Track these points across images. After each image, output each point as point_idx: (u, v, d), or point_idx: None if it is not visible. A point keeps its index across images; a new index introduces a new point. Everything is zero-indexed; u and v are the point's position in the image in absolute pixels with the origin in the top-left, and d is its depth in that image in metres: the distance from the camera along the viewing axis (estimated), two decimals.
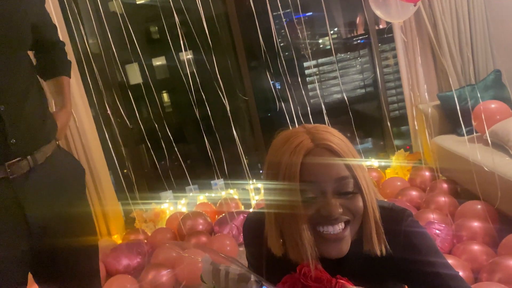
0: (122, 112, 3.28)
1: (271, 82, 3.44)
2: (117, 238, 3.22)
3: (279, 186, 0.85)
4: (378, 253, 0.88)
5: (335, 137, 0.87)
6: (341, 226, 0.84)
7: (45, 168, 1.20)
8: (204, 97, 2.90)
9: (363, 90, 4.27)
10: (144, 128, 3.23)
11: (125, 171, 3.60)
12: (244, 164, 2.96)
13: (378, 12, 2.56)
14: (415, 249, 0.90)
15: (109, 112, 3.05)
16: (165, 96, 4.49)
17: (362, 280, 0.85)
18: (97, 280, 1.40)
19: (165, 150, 3.06)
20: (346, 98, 3.05)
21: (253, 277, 0.71)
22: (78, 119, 3.14)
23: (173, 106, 4.42)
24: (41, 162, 1.18)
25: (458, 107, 2.50)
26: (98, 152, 3.29)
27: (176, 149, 3.83)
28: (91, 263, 1.37)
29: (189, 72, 2.93)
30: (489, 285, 1.80)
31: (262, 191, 3.53)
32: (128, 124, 3.19)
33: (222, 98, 2.80)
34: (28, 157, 1.14)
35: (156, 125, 3.18)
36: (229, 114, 2.84)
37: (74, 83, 3.16)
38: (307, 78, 4.34)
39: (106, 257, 2.71)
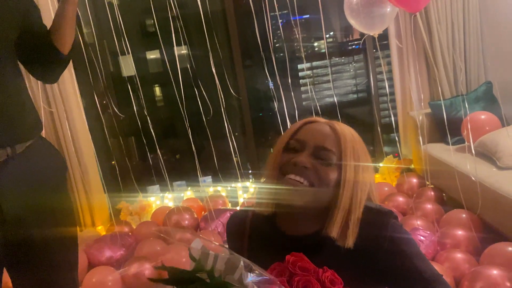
0: (112, 103, 3.25)
1: (270, 83, 3.44)
2: (101, 230, 3.19)
3: (277, 142, 0.98)
4: (349, 244, 0.89)
5: (346, 128, 0.96)
6: (303, 180, 0.90)
7: (24, 158, 1.17)
8: (196, 93, 2.89)
9: (355, 95, 4.29)
10: (135, 121, 3.21)
11: (113, 162, 3.56)
12: (238, 162, 2.95)
13: (352, 22, 2.50)
14: (399, 250, 0.91)
15: (97, 102, 3.02)
16: (158, 90, 4.46)
17: (344, 279, 0.85)
18: (74, 273, 1.38)
19: (156, 144, 3.03)
20: (336, 102, 3.07)
21: (242, 262, 0.71)
22: (68, 109, 3.10)
23: (165, 100, 4.40)
24: (20, 152, 1.16)
25: (445, 117, 2.52)
26: (86, 142, 3.26)
27: (165, 143, 3.82)
28: (68, 256, 1.34)
29: (183, 68, 2.92)
30: None
31: (251, 189, 3.53)
32: (119, 114, 3.17)
33: (219, 94, 2.79)
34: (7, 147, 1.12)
35: (148, 118, 3.15)
36: (223, 111, 2.83)
37: (66, 72, 3.12)
38: (301, 80, 4.34)
39: (89, 248, 2.68)
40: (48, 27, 1.29)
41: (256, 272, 0.71)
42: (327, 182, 0.90)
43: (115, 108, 3.08)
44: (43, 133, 2.85)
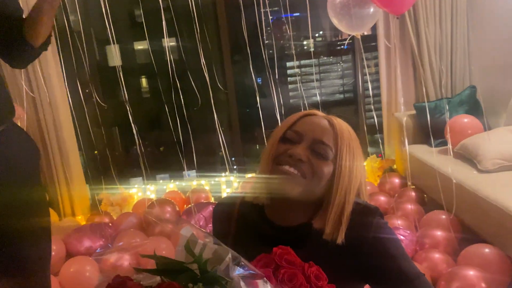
0: (95, 93, 3.20)
1: (258, 79, 3.43)
2: (81, 219, 3.15)
3: (273, 132, 0.98)
4: (339, 241, 0.89)
5: (343, 123, 0.96)
6: (297, 173, 0.90)
7: None
8: (181, 85, 2.86)
9: (341, 95, 4.31)
10: (119, 111, 3.17)
11: (95, 152, 3.52)
12: (226, 156, 2.93)
13: (335, 21, 2.49)
14: (382, 247, 0.91)
15: (80, 91, 2.97)
16: (144, 81, 4.42)
17: (327, 273, 0.85)
18: (46, 266, 1.34)
19: (138, 135, 3.00)
20: (320, 102, 3.10)
21: (230, 254, 0.70)
22: (51, 96, 3.05)
23: (151, 92, 4.36)
24: None
25: (428, 119, 2.55)
26: (69, 131, 3.21)
27: (150, 135, 3.79)
28: (39, 248, 1.29)
29: (171, 59, 2.89)
30: None
31: (235, 183, 3.52)
32: (103, 104, 3.12)
33: (208, 87, 2.76)
34: None
35: (129, 109, 3.12)
36: (212, 104, 2.81)
37: (51, 59, 3.07)
38: (289, 78, 4.35)
39: (68, 238, 2.65)
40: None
41: (243, 265, 0.70)
42: (320, 176, 0.90)
43: (97, 98, 3.04)
44: (25, 120, 2.81)
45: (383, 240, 0.92)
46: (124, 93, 3.08)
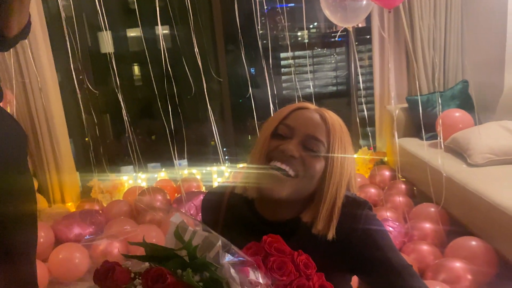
0: (87, 79, 3.17)
1: (251, 69, 3.41)
2: (71, 206, 3.13)
3: (264, 125, 0.96)
4: (330, 236, 0.89)
5: (335, 117, 0.95)
6: (288, 169, 0.89)
7: None
8: (174, 74, 2.84)
9: (334, 88, 4.31)
10: (110, 99, 3.14)
11: (86, 139, 3.49)
12: (218, 146, 2.92)
13: (327, 13, 2.48)
14: (371, 240, 0.92)
15: (74, 77, 2.93)
16: (136, 69, 4.38)
17: (317, 265, 0.85)
18: (32, 253, 1.32)
19: (129, 123, 2.98)
20: (313, 94, 3.09)
21: (220, 241, 0.70)
22: (42, 81, 3.01)
23: (143, 80, 4.32)
24: None
25: (421, 112, 2.56)
26: (59, 117, 3.18)
27: (142, 124, 3.76)
28: (25, 236, 1.27)
29: (164, 48, 2.87)
30: (432, 284, 1.86)
31: (226, 173, 3.52)
32: (94, 91, 3.09)
33: (201, 75, 2.74)
34: None
35: (119, 96, 3.09)
36: (206, 94, 2.79)
37: (42, 45, 3.03)
38: (282, 69, 4.34)
39: (57, 224, 2.63)
40: None
41: (233, 252, 0.70)
42: (312, 173, 0.89)
43: (89, 85, 3.00)
44: (14, 105, 2.78)
45: (371, 233, 0.92)
46: (116, 81, 3.05)
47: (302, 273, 0.82)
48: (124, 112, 2.70)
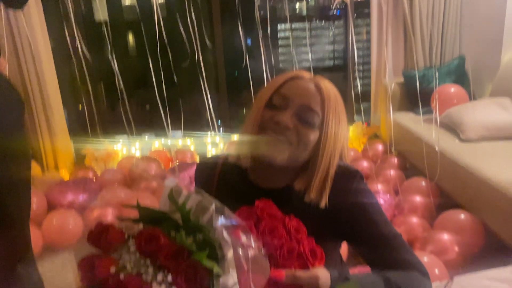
0: (82, 46, 3.12)
1: (248, 40, 3.36)
2: (64, 173, 3.13)
3: (259, 94, 0.95)
4: (323, 204, 0.90)
5: (330, 86, 0.93)
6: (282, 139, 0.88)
7: None
8: (169, 43, 2.80)
9: (331, 62, 4.28)
10: (105, 68, 3.09)
11: (80, 108, 3.47)
12: (212, 116, 2.91)
13: None
14: (361, 207, 0.93)
15: (69, 43, 2.88)
16: (131, 37, 4.31)
17: (308, 233, 0.87)
18: (26, 219, 1.32)
19: (123, 92, 2.95)
20: (311, 67, 3.07)
21: (214, 205, 0.71)
22: (35, 49, 2.96)
23: (137, 49, 4.27)
24: None
25: (418, 87, 2.56)
26: (53, 85, 3.15)
27: (136, 93, 3.73)
28: (19, 201, 1.27)
29: (159, 16, 2.81)
30: (420, 255, 1.90)
31: (221, 144, 3.52)
32: (89, 59, 3.05)
33: (194, 45, 2.71)
34: None
35: (117, 66, 3.05)
36: (201, 63, 2.76)
37: (35, 11, 2.96)
38: (279, 41, 4.29)
39: (51, 191, 2.64)
40: None
41: (227, 215, 0.71)
42: (306, 144, 0.89)
43: (83, 51, 2.95)
44: (7, 70, 2.74)
45: (362, 202, 0.93)
46: (111, 48, 3.01)
47: (293, 238, 0.82)
48: (118, 78, 2.66)
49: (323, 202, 0.91)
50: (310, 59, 3.58)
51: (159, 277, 0.62)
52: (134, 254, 0.65)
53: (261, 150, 0.89)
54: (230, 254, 0.65)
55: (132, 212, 0.73)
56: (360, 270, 1.74)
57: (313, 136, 0.89)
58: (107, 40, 3.00)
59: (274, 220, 0.83)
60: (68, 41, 2.77)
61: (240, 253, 0.67)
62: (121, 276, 0.62)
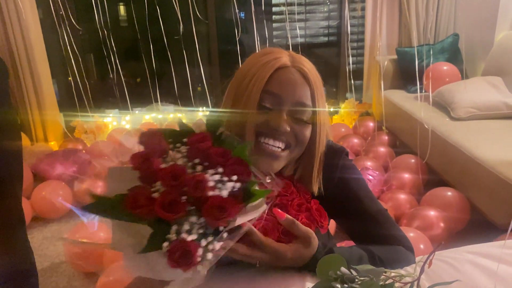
0: (70, 15, 3.05)
1: (241, 13, 3.30)
2: (53, 145, 3.11)
3: (241, 91, 0.86)
4: (315, 192, 0.90)
5: (312, 68, 0.89)
6: (280, 145, 0.86)
7: None
8: (161, 14, 2.75)
9: (326, 38, 4.23)
10: (95, 38, 3.03)
11: (69, 79, 3.41)
12: (205, 90, 2.88)
13: None
14: (347, 183, 0.94)
15: (54, 12, 2.81)
16: (122, 8, 4.21)
17: None
18: (18, 189, 1.31)
19: (124, 64, 2.90)
20: (306, 42, 3.02)
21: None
22: (20, 15, 2.89)
23: (128, 19, 4.17)
24: None
25: (416, 65, 2.54)
26: (41, 55, 3.08)
27: (127, 65, 3.67)
28: (10, 171, 1.26)
29: None
30: (406, 230, 1.93)
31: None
32: (78, 28, 2.99)
33: (192, 16, 2.65)
34: None
35: (108, 36, 2.99)
36: (195, 37, 2.72)
37: None
38: (273, 16, 4.21)
39: (40, 162, 2.62)
40: None
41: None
42: (304, 141, 0.88)
43: (73, 20, 2.89)
44: None
45: (348, 179, 0.94)
46: (100, 18, 2.94)
47: (302, 195, 0.87)
48: (113, 47, 2.61)
49: (317, 189, 0.91)
50: (305, 33, 3.53)
51: (210, 171, 0.66)
52: (181, 160, 0.69)
53: (259, 160, 0.85)
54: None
55: None
56: (347, 244, 1.77)
57: (308, 131, 0.88)
58: (97, 10, 2.94)
59: (285, 179, 0.88)
60: (52, 8, 2.70)
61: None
62: (178, 163, 0.67)
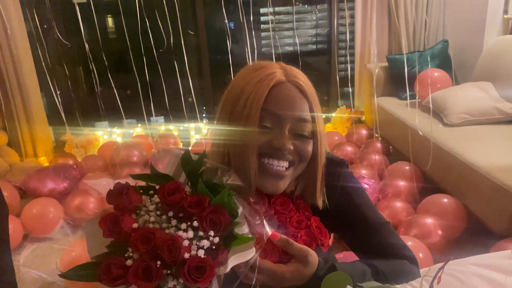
0: (56, 29, 3.02)
1: (230, 24, 3.30)
2: (43, 161, 3.06)
3: (238, 110, 0.82)
4: (320, 206, 0.88)
5: (306, 80, 0.87)
6: (285, 164, 0.83)
7: None
8: (150, 26, 2.72)
9: (314, 46, 4.24)
10: (84, 51, 2.99)
11: (58, 92, 3.37)
12: (193, 102, 2.86)
13: None
14: (349, 195, 0.92)
15: (39, 27, 2.78)
16: (110, 20, 4.19)
17: None
18: (6, 247, 1.27)
19: (113, 76, 2.86)
20: (298, 52, 3.03)
21: (220, 169, 0.73)
22: (11, 33, 2.85)
23: (117, 32, 4.15)
24: None
25: (406, 71, 2.55)
26: (29, 68, 3.04)
27: (116, 78, 3.64)
28: None
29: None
30: (404, 239, 1.92)
31: (204, 130, 3.48)
32: (65, 42, 2.96)
33: (179, 27, 2.64)
34: None
35: (96, 49, 2.96)
36: (183, 47, 2.70)
37: None
38: (262, 25, 4.22)
39: (30, 178, 2.57)
40: None
41: (233, 177, 0.73)
42: (307, 157, 0.86)
43: (59, 35, 2.86)
44: None
45: (349, 192, 0.93)
46: (84, 32, 2.91)
47: (301, 212, 0.86)
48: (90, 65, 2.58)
49: (321, 202, 0.89)
50: (298, 43, 3.53)
51: (183, 226, 0.63)
52: (155, 211, 0.65)
53: (264, 183, 0.83)
54: (240, 209, 0.69)
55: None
56: (346, 255, 1.75)
57: (311, 146, 0.86)
58: (86, 22, 2.91)
59: (284, 197, 0.86)
60: (37, 23, 2.67)
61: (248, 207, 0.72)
62: (149, 226, 0.64)
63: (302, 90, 0.84)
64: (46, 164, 2.98)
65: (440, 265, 0.68)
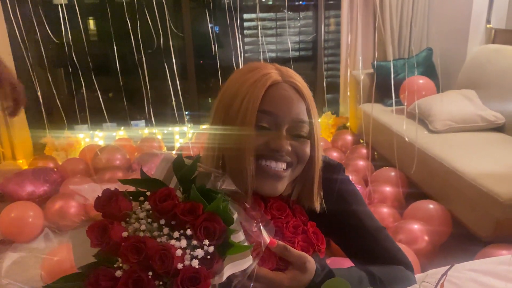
0: (37, 31, 2.95)
1: (215, 28, 3.28)
2: (22, 163, 2.97)
3: (234, 112, 0.80)
4: (318, 209, 0.86)
5: (302, 81, 0.85)
6: (283, 165, 0.82)
7: None
8: (133, 28, 2.69)
9: (297, 52, 4.25)
10: (65, 53, 2.93)
11: (39, 94, 3.28)
12: (181, 105, 2.82)
13: None
14: (346, 200, 0.91)
15: (22, 27, 2.71)
16: (92, 22, 4.12)
17: None
18: None
19: (95, 79, 2.80)
20: (286, 57, 3.02)
21: (213, 174, 0.70)
22: None
23: (99, 34, 4.08)
24: None
25: (392, 77, 2.57)
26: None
27: (98, 80, 3.57)
28: None
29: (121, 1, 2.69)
30: None
31: (191, 132, 3.44)
32: (48, 42, 2.88)
33: (168, 28, 2.61)
34: None
35: (78, 51, 2.90)
36: (172, 49, 2.67)
37: None
38: (245, 31, 4.22)
39: (8, 182, 2.49)
40: None
41: (227, 182, 0.70)
42: (305, 158, 0.84)
43: (38, 37, 2.79)
44: None
45: (346, 196, 0.91)
46: (67, 34, 2.85)
47: (298, 217, 0.84)
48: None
49: (318, 205, 0.87)
50: (290, 48, 3.53)
51: (176, 234, 0.60)
52: (145, 219, 0.62)
53: (260, 184, 0.81)
54: (235, 215, 0.66)
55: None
56: (333, 261, 1.74)
57: (308, 146, 0.84)
58: (65, 24, 2.86)
59: (280, 201, 0.84)
60: (21, 25, 2.60)
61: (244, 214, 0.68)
62: (140, 234, 0.60)
63: (299, 90, 0.83)
64: (25, 167, 2.89)
65: (440, 270, 0.67)
